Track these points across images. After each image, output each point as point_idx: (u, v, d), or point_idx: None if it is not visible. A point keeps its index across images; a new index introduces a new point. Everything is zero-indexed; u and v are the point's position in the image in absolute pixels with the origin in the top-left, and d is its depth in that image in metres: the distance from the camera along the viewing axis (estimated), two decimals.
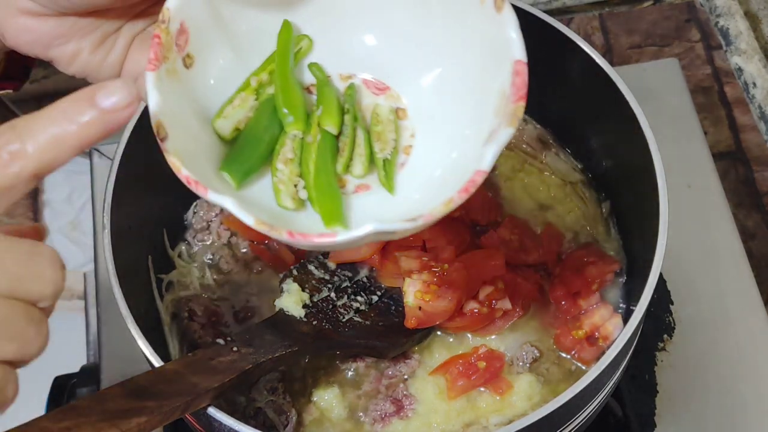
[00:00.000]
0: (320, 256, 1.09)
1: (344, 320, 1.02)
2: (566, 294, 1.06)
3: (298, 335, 0.97)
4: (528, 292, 1.06)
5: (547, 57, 1.10)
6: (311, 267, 1.07)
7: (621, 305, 1.08)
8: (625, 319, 1.04)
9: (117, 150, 1.02)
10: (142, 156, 1.04)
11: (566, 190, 1.15)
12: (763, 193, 1.51)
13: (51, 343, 1.38)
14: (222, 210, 1.16)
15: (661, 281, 1.24)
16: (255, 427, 0.98)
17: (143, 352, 0.92)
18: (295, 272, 1.05)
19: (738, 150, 1.55)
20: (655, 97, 1.35)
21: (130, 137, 1.02)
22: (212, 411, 0.88)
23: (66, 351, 1.37)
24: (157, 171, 1.10)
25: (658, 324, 1.22)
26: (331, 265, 1.08)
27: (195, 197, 1.18)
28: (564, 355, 1.05)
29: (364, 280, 1.07)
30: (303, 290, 1.03)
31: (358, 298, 1.05)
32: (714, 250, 1.27)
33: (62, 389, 1.22)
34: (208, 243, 1.15)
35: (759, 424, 1.17)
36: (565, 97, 1.15)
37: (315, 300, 1.03)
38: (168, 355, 1.06)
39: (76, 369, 1.26)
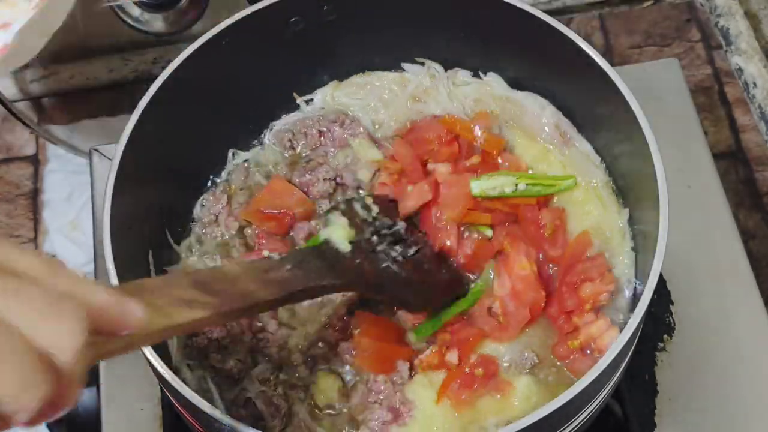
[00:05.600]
0: (366, 197, 1.10)
1: (382, 266, 1.02)
2: (561, 311, 1.06)
3: (341, 269, 0.98)
4: (537, 300, 1.06)
5: (547, 57, 1.11)
6: (357, 206, 1.07)
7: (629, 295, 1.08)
8: (625, 320, 1.04)
9: (117, 150, 1.02)
10: (142, 156, 1.04)
11: (587, 191, 1.13)
12: (763, 193, 1.51)
13: None
14: (229, 202, 1.16)
15: (661, 281, 1.24)
16: (244, 417, 0.99)
17: (143, 352, 0.92)
18: (342, 207, 1.06)
19: (738, 150, 1.55)
20: (655, 97, 1.34)
21: (129, 137, 1.02)
22: (212, 411, 0.88)
23: None
24: (156, 169, 1.11)
25: (658, 324, 1.22)
26: (375, 209, 1.08)
27: (196, 192, 1.18)
28: (559, 363, 1.05)
29: (402, 232, 1.08)
30: (350, 226, 1.03)
31: (396, 247, 1.05)
32: (714, 250, 1.27)
33: None
34: (217, 235, 1.15)
35: (759, 424, 1.17)
36: (564, 96, 1.15)
37: (357, 239, 1.03)
38: (168, 353, 1.06)
39: None
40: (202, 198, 1.18)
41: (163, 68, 1.07)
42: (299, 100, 1.23)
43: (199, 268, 0.81)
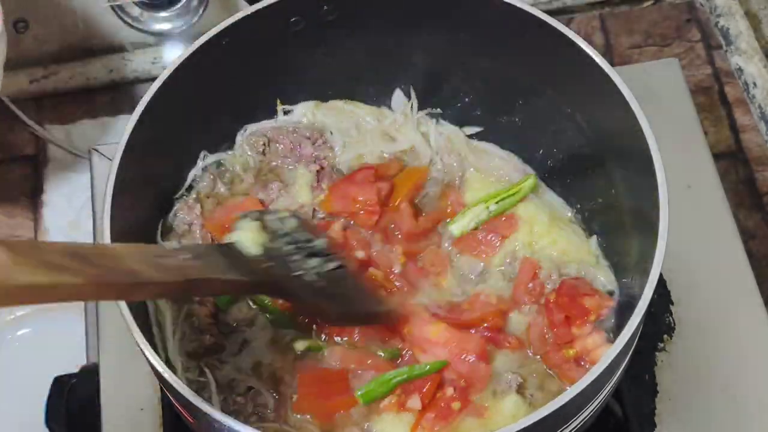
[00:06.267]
0: (282, 211, 1.09)
1: (295, 274, 1.00)
2: (564, 319, 1.05)
3: (248, 268, 0.96)
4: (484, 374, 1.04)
5: (547, 57, 1.11)
6: (270, 217, 1.04)
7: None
8: (625, 321, 1.03)
9: (117, 150, 1.02)
10: (142, 156, 1.04)
11: (551, 226, 1.15)
12: (763, 193, 1.51)
13: (51, 343, 1.38)
14: (202, 211, 1.15)
15: (661, 281, 1.24)
16: (244, 404, 1.01)
17: (143, 352, 0.92)
18: (255, 215, 1.03)
19: (738, 150, 1.54)
20: (655, 97, 1.34)
21: (129, 137, 1.02)
22: (212, 411, 0.88)
23: (66, 351, 1.37)
24: (156, 169, 1.11)
25: (658, 324, 1.22)
26: (292, 222, 1.05)
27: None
28: (549, 371, 1.04)
29: (321, 247, 1.05)
30: (262, 232, 1.01)
31: (310, 261, 1.02)
32: (714, 250, 1.27)
33: (62, 389, 1.22)
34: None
35: (759, 424, 1.17)
36: (564, 97, 1.15)
37: (269, 246, 1.01)
38: (166, 355, 1.06)
39: (75, 369, 1.26)
40: (175, 208, 1.17)
41: (163, 68, 1.07)
42: (280, 108, 1.23)
43: (80, 243, 0.86)
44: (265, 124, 1.23)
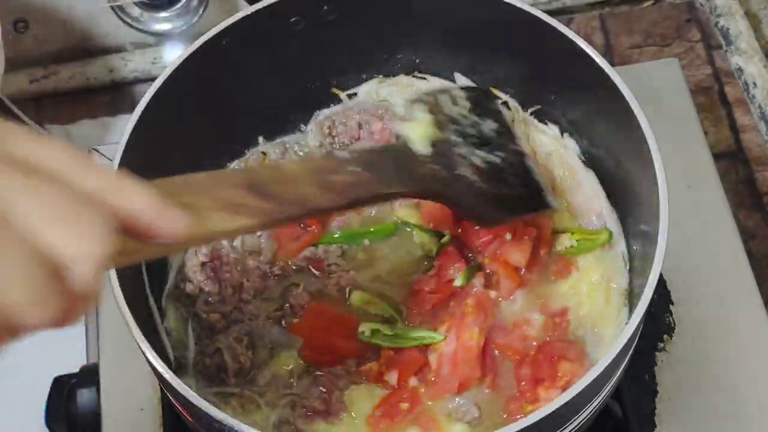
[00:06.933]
0: (454, 89, 0.98)
1: (457, 172, 0.90)
2: (531, 378, 1.01)
3: (414, 176, 0.88)
4: (469, 379, 1.01)
5: (547, 57, 1.11)
6: (443, 99, 0.95)
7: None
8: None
9: (117, 150, 1.02)
10: (142, 156, 1.04)
11: (596, 288, 1.08)
12: (763, 193, 1.51)
13: (51, 343, 1.37)
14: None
15: (661, 281, 1.24)
16: (208, 366, 1.02)
17: (143, 352, 0.92)
18: (428, 99, 0.93)
19: (738, 150, 1.54)
20: (655, 97, 1.34)
21: (129, 137, 1.02)
22: (213, 411, 0.88)
23: (66, 351, 1.37)
24: (157, 170, 1.11)
25: (658, 324, 1.22)
26: (464, 104, 0.95)
27: None
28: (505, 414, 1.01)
29: (490, 133, 0.96)
30: (433, 125, 0.91)
31: (478, 151, 0.92)
32: (714, 250, 1.27)
33: (62, 389, 1.22)
34: None
35: (759, 424, 1.17)
36: (564, 97, 1.15)
37: (440, 139, 0.91)
38: (165, 354, 1.06)
39: (75, 369, 1.26)
40: (236, 162, 1.17)
41: (163, 68, 1.07)
42: (342, 94, 1.22)
43: (255, 167, 0.77)
44: (333, 109, 1.22)
